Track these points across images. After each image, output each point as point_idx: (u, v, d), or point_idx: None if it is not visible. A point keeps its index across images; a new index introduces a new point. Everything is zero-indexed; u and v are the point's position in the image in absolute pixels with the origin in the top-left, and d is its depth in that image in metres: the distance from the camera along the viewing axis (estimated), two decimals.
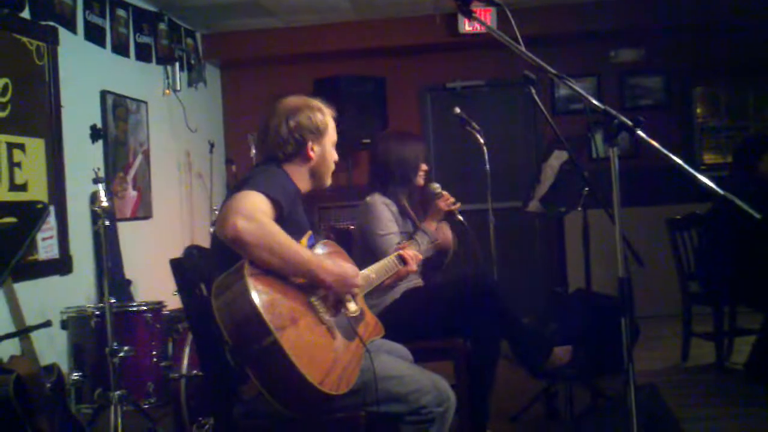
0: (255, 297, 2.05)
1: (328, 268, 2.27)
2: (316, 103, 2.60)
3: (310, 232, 2.50)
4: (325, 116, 2.58)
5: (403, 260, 2.97)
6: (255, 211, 2.16)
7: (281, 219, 2.27)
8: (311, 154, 2.54)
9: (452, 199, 3.41)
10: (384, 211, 3.38)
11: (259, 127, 2.60)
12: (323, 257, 2.38)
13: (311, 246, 2.46)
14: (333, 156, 2.62)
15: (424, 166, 3.54)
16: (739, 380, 4.33)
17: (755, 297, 4.31)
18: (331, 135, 2.61)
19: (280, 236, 2.16)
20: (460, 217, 3.42)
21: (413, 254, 3.00)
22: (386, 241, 3.29)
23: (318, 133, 2.55)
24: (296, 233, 2.37)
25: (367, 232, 3.36)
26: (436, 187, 3.43)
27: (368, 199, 3.45)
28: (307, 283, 2.25)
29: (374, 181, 3.53)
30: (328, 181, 2.65)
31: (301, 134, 2.51)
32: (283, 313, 2.10)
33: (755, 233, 4.25)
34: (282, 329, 2.04)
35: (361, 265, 2.72)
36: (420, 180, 3.54)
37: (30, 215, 2.96)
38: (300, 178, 2.55)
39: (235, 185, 2.41)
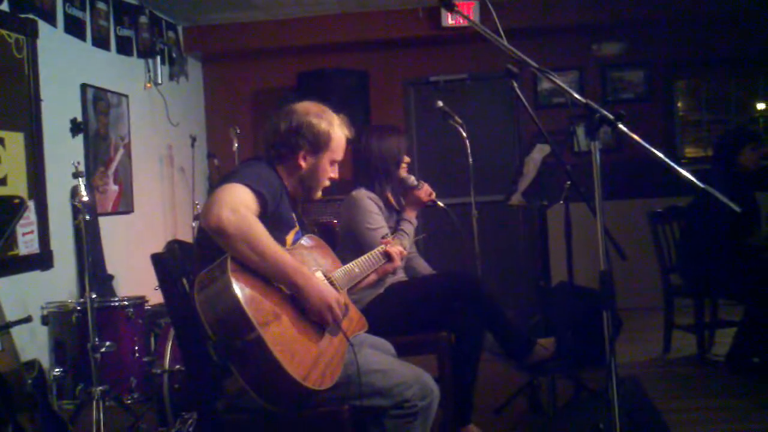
0: (238, 292, 2.03)
1: (307, 277, 2.20)
2: (332, 116, 2.53)
3: (297, 228, 2.49)
4: (332, 130, 2.51)
5: (387, 256, 2.94)
6: (240, 204, 2.15)
7: (266, 214, 2.25)
8: (302, 162, 2.49)
9: (430, 189, 3.48)
10: (371, 205, 3.37)
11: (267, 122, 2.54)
12: (307, 269, 2.29)
13: (297, 241, 2.45)
14: (328, 173, 2.55)
15: (407, 159, 3.53)
16: (721, 372, 4.37)
17: (736, 289, 4.35)
18: (333, 152, 2.53)
19: (262, 234, 2.14)
20: (441, 203, 3.49)
21: (398, 250, 2.99)
22: (376, 234, 3.27)
23: (316, 144, 2.48)
24: (282, 229, 2.37)
25: (356, 227, 3.34)
26: (413, 179, 3.48)
27: (354, 194, 3.44)
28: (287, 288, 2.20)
29: (359, 176, 3.51)
30: (317, 195, 2.58)
31: (297, 139, 2.45)
32: (266, 309, 2.09)
33: (735, 226, 4.29)
34: (265, 325, 2.04)
35: (347, 258, 2.71)
36: (402, 172, 3.52)
37: (7, 210, 2.92)
38: (288, 180, 2.51)
39: (222, 177, 2.39)
